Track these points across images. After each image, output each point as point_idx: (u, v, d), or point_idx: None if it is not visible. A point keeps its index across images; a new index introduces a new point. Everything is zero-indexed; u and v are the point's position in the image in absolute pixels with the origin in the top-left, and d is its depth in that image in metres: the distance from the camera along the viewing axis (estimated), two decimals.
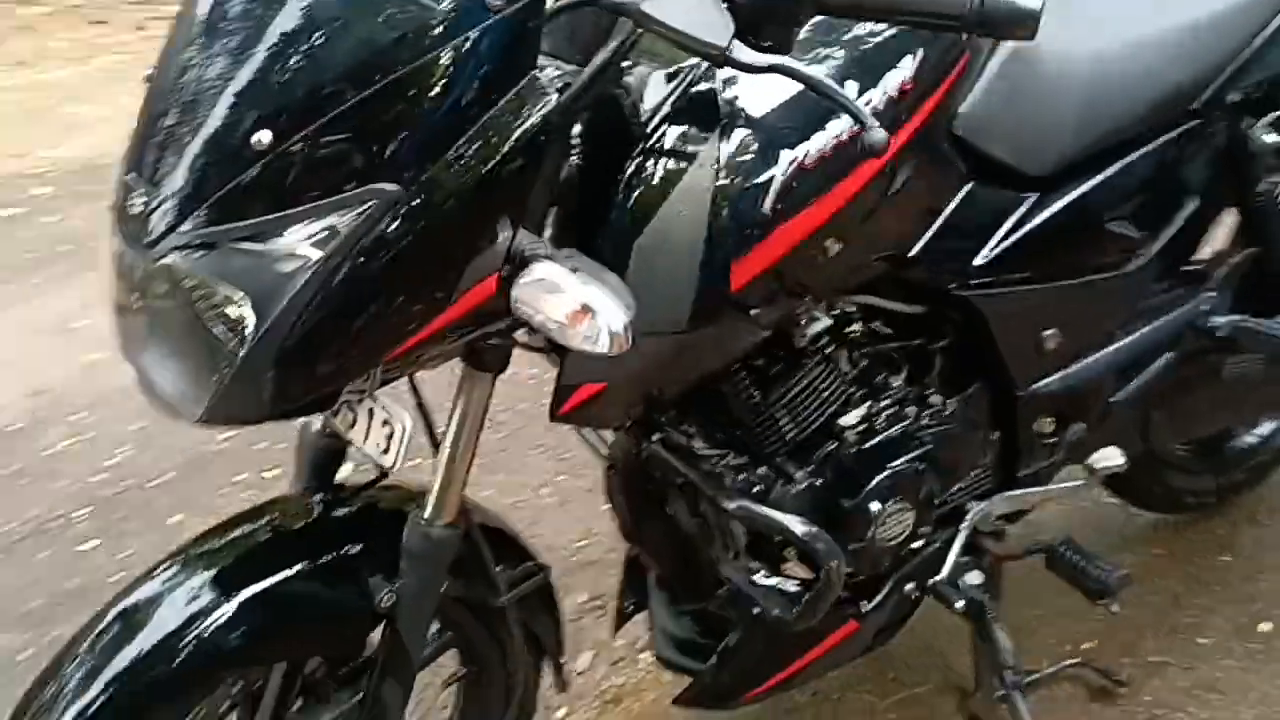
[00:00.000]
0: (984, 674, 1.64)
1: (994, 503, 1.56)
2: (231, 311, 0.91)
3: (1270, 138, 1.53)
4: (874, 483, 1.40)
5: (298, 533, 1.23)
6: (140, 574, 1.17)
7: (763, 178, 1.12)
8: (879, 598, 1.51)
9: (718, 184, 1.10)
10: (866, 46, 1.19)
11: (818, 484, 1.41)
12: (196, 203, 0.91)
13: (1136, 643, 1.86)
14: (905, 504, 1.43)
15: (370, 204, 0.91)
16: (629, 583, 1.63)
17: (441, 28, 0.92)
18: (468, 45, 0.92)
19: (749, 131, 1.12)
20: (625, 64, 1.08)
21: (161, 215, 0.93)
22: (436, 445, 1.17)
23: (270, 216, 0.91)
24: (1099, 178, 1.42)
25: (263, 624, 1.15)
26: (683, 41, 0.95)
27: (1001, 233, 1.38)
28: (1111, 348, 1.55)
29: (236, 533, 1.22)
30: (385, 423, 1.09)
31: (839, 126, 1.14)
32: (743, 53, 0.94)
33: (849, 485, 1.40)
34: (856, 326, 1.43)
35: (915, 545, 1.52)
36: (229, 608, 1.13)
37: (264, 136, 0.89)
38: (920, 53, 1.20)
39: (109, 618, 1.13)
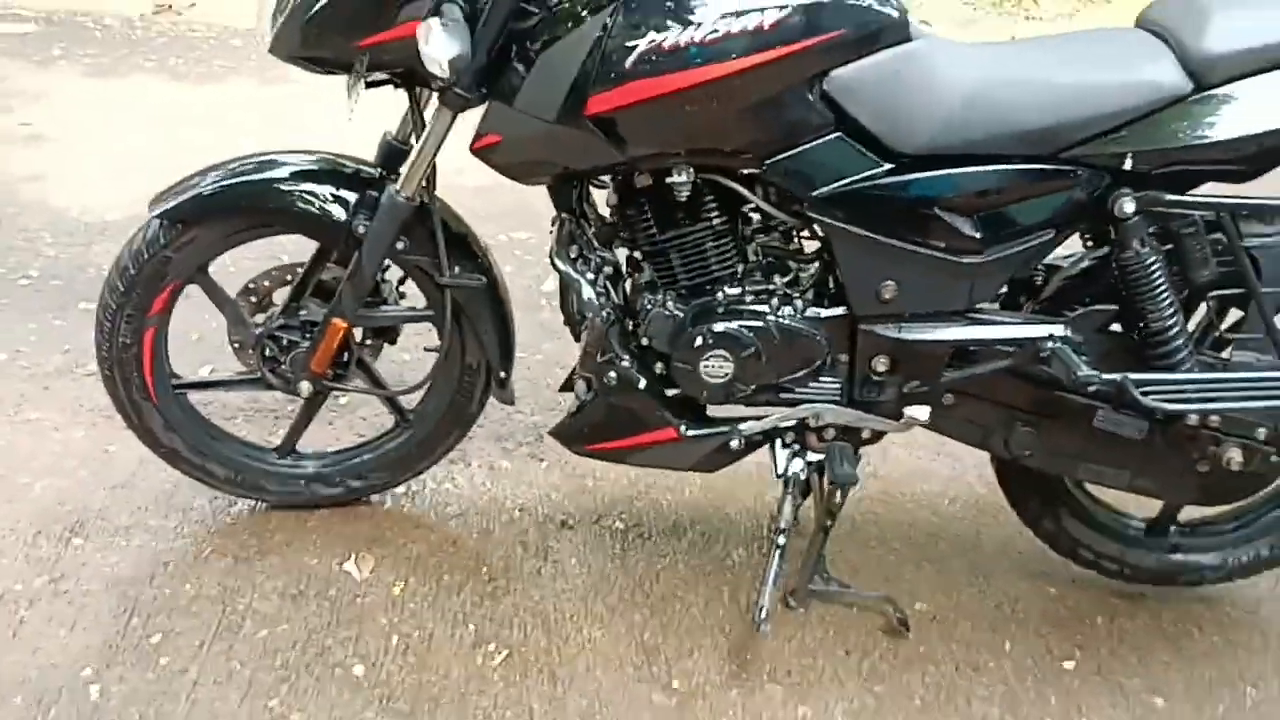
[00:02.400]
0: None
1: (820, 408, 1.98)
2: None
3: (1130, 207, 1.79)
4: (712, 326, 1.91)
5: (350, 174, 2.02)
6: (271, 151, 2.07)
7: (630, 44, 1.70)
8: (702, 428, 2.02)
9: (601, 36, 1.71)
10: None
11: (679, 316, 1.95)
12: None
13: (957, 623, 2.15)
14: (727, 356, 1.92)
15: None
16: None
17: None
18: None
19: (636, 11, 1.70)
20: None
21: None
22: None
23: None
24: (951, 172, 1.79)
25: (289, 192, 1.98)
26: None
27: (855, 181, 1.80)
28: (952, 327, 1.90)
29: (326, 154, 2.07)
30: (359, 95, 1.84)
31: (694, 33, 1.69)
32: None
33: (697, 321, 1.93)
34: (751, 214, 1.94)
35: (743, 404, 2.00)
36: (289, 182, 1.99)
37: None
38: (791, 10, 1.70)
39: (239, 160, 2.03)
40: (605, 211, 2.01)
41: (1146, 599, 2.24)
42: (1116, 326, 1.95)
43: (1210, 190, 1.84)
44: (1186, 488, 2.04)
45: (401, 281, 2.17)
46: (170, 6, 5.38)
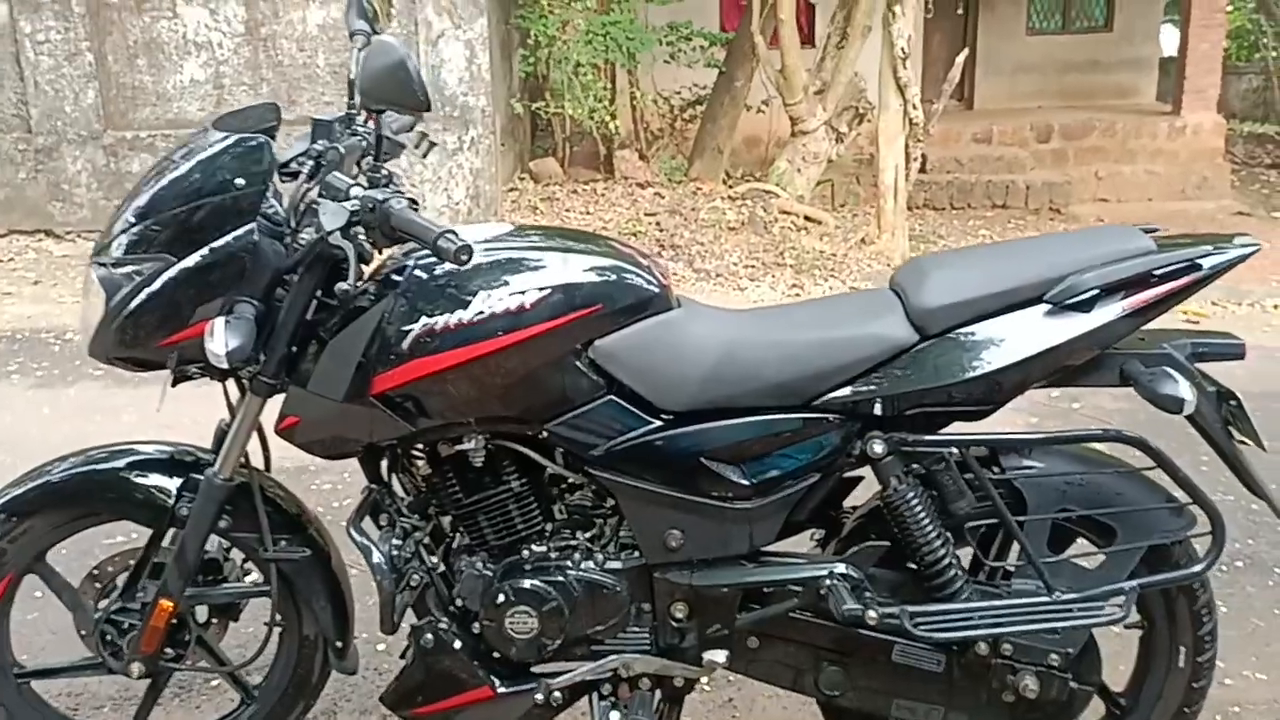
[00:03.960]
0: None
1: (627, 658, 2.05)
2: (99, 301, 1.92)
3: (880, 448, 1.92)
4: (514, 583, 2.01)
5: (183, 460, 2.17)
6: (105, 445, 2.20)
7: (406, 328, 1.89)
8: (515, 685, 2.07)
9: (381, 322, 1.90)
10: (520, 270, 1.91)
11: (488, 575, 2.05)
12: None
13: None
14: (530, 611, 2.01)
15: (160, 262, 1.87)
16: None
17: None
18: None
19: (410, 299, 1.89)
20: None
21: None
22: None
23: (128, 256, 1.91)
24: (714, 426, 1.93)
25: (118, 481, 2.12)
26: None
27: (629, 438, 1.95)
28: (737, 570, 1.99)
29: (169, 443, 2.21)
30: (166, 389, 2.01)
31: (463, 314, 1.88)
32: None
33: (503, 579, 2.02)
34: (562, 476, 2.06)
35: (557, 659, 2.06)
36: (122, 471, 2.14)
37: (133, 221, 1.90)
38: (550, 290, 1.90)
39: (88, 450, 2.18)
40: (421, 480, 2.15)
41: None
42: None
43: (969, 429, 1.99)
44: None
45: (245, 560, 2.28)
46: None
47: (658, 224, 7.58)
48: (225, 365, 1.85)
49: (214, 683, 2.66)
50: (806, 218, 7.60)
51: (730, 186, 8.19)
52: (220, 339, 1.83)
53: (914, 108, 7.29)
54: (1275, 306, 6.85)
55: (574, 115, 8.26)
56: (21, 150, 7.24)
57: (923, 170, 10.64)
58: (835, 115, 7.95)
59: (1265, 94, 13.76)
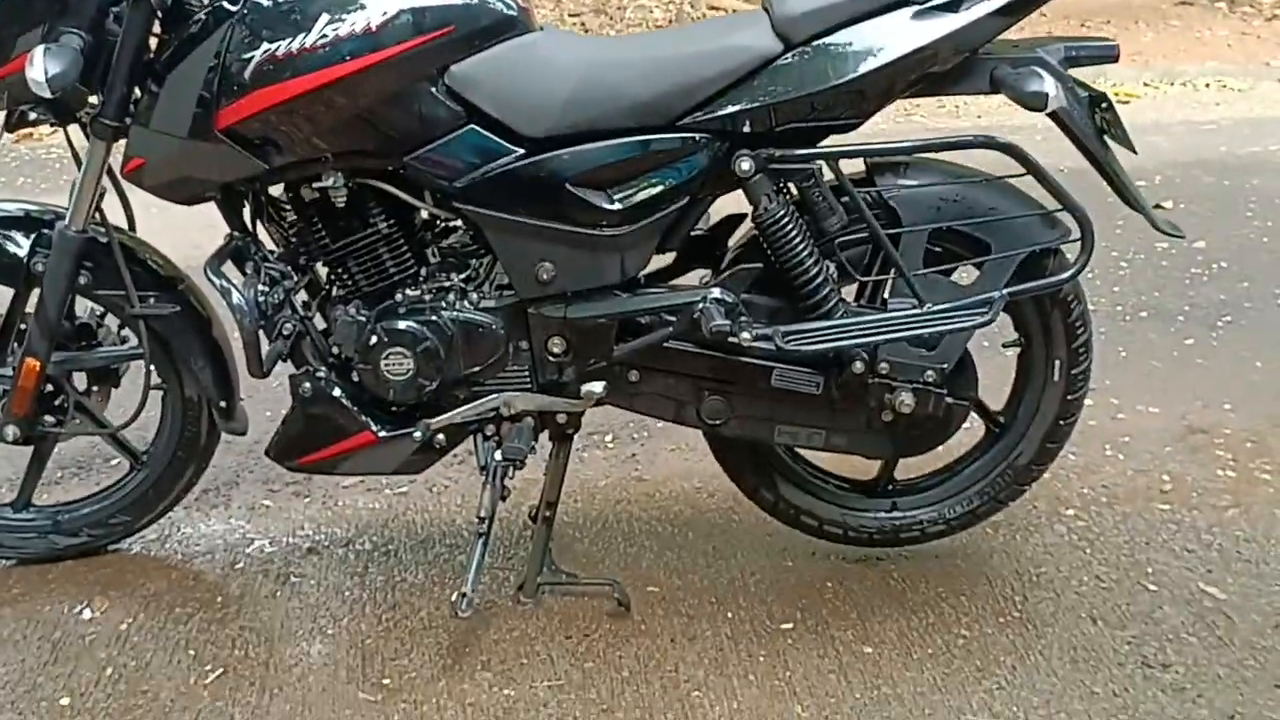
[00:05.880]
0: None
1: (508, 396, 2.04)
2: None
3: (748, 165, 1.87)
4: (390, 325, 1.97)
5: (37, 217, 2.10)
6: None
7: (247, 56, 1.80)
8: (397, 429, 2.06)
9: (220, 51, 1.80)
10: None
11: (361, 321, 2.01)
12: None
13: (684, 600, 2.17)
14: (405, 353, 1.98)
15: None
16: None
17: None
18: None
19: (250, 25, 1.80)
20: None
21: None
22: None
23: None
24: (575, 150, 1.87)
25: None
26: None
27: (492, 169, 1.89)
28: (611, 300, 1.97)
29: (23, 201, 2.15)
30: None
31: (307, 39, 1.79)
32: None
33: (378, 319, 1.99)
34: (429, 219, 2.01)
35: (438, 403, 2.05)
36: None
37: None
38: (398, 12, 1.80)
39: None
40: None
41: (882, 562, 2.28)
42: None
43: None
44: (877, 441, 2.10)
45: (122, 327, 2.23)
46: (31, 135, 5.52)
47: (583, 24, 7.34)
48: (47, 94, 1.75)
49: (114, 461, 2.64)
50: (735, 12, 7.37)
51: None
52: (39, 65, 1.73)
53: None
54: (1206, 85, 6.82)
55: None
56: None
57: None
58: None
59: None
